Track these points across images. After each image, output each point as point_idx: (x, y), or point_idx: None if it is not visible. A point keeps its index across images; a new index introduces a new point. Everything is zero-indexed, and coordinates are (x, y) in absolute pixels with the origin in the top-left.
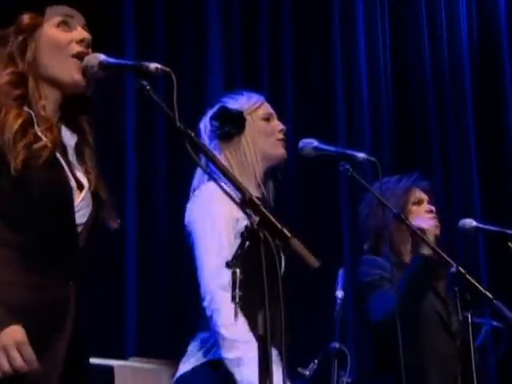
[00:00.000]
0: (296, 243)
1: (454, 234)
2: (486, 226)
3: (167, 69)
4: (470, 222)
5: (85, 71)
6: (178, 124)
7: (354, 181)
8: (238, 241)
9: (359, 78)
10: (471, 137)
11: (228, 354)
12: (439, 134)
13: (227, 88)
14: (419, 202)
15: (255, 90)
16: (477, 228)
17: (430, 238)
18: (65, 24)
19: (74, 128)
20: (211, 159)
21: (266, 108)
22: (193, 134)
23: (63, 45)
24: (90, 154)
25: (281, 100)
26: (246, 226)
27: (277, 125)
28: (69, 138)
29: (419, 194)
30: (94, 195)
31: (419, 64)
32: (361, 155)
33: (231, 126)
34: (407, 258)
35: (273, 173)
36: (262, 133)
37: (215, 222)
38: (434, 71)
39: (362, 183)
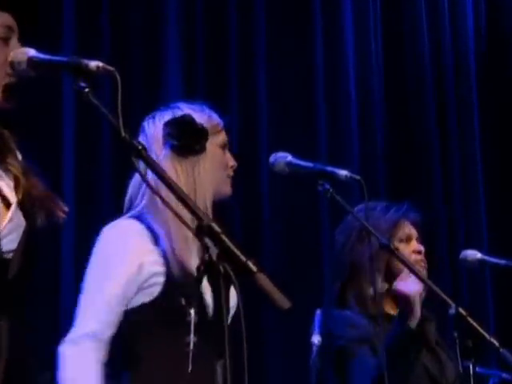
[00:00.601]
0: (263, 279)
1: (457, 267)
2: (492, 259)
3: (111, 68)
4: (473, 254)
5: (11, 68)
6: (123, 134)
7: (336, 203)
8: (144, 291)
9: (346, 76)
10: (476, 146)
11: None
12: (440, 143)
13: (187, 91)
14: (407, 239)
15: (221, 92)
16: (482, 261)
17: (416, 302)
18: (5, 40)
19: None
20: (161, 178)
21: (224, 136)
22: (140, 147)
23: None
24: (12, 155)
25: (252, 106)
26: (203, 259)
27: (229, 159)
28: None
29: (409, 229)
30: (26, 206)
31: (417, 53)
32: (343, 173)
33: (194, 142)
34: (388, 306)
35: None
36: (219, 162)
37: (110, 261)
38: (435, 58)
39: (345, 206)
